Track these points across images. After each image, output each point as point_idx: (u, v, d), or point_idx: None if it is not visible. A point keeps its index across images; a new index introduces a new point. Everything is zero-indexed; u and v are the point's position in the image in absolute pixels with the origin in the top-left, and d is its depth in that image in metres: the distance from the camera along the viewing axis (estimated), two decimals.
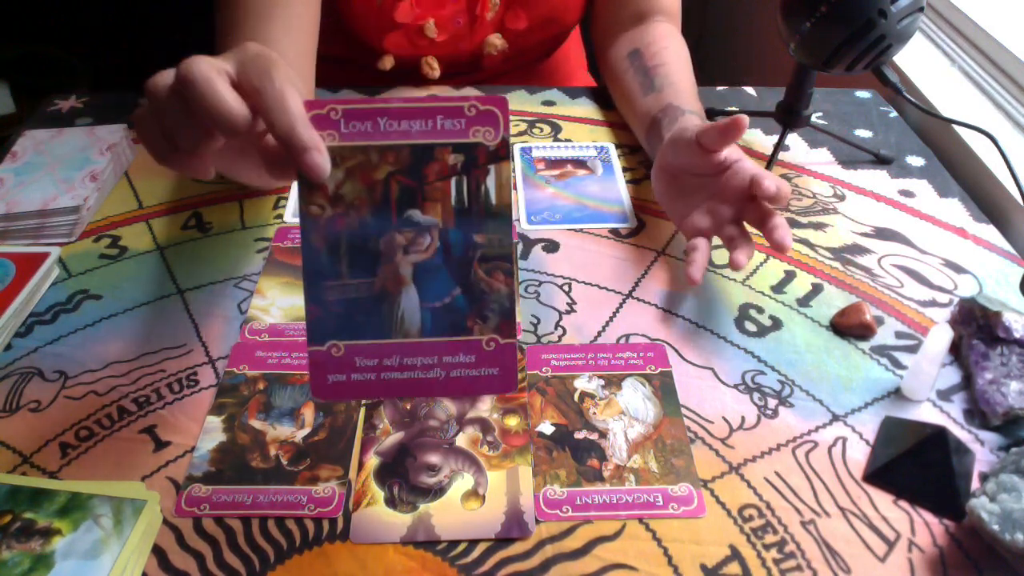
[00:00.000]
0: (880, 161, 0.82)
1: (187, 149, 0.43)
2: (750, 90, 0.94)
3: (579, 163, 0.81)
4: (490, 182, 0.43)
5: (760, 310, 0.64)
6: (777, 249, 0.57)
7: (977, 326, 0.59)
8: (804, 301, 0.65)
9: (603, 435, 0.54)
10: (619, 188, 0.77)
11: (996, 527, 0.45)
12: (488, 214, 0.43)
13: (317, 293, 0.43)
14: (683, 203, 0.65)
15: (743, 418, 0.55)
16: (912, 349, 0.61)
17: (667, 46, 0.81)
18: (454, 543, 0.48)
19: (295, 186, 0.76)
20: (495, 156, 0.43)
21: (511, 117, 0.84)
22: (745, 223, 0.61)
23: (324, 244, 0.43)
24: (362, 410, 0.55)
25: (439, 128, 0.43)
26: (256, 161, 0.46)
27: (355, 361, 0.44)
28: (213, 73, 0.41)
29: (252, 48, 0.43)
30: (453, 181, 0.43)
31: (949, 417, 0.56)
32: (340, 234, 0.43)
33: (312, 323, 0.43)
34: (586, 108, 0.90)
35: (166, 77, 0.42)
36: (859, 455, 0.53)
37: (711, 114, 0.89)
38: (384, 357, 0.44)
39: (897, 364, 0.60)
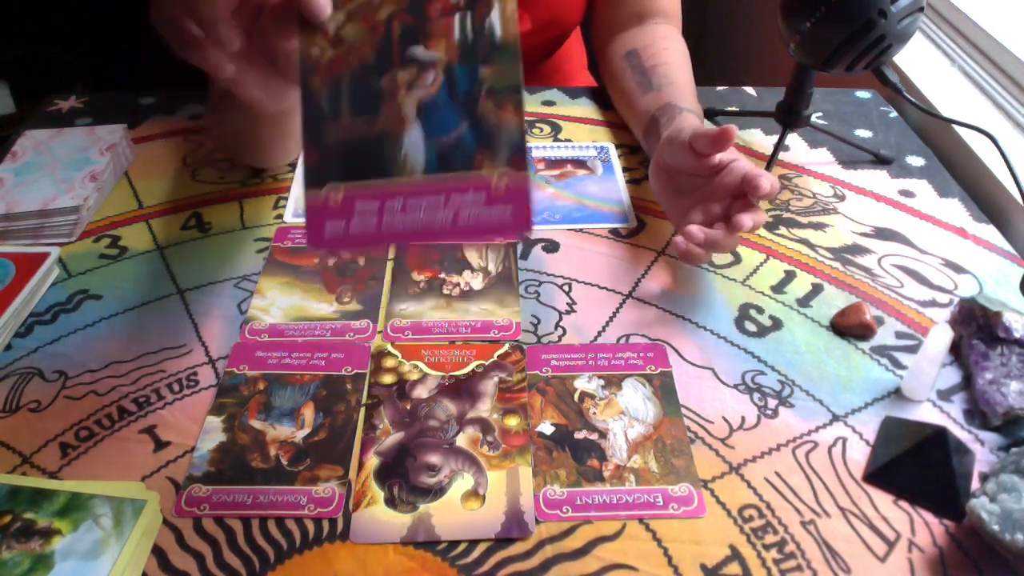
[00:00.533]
0: (880, 161, 0.82)
1: (209, 21, 0.42)
2: (750, 90, 0.94)
3: (579, 163, 0.81)
4: (495, 16, 0.42)
5: (760, 310, 0.64)
6: (734, 224, 0.58)
7: (977, 326, 0.59)
8: (804, 301, 0.65)
9: (603, 435, 0.54)
10: (619, 188, 0.77)
11: (996, 527, 0.45)
12: (494, 47, 0.42)
13: (315, 134, 0.41)
14: (680, 202, 0.65)
15: (743, 418, 0.55)
16: (912, 349, 0.61)
17: (666, 47, 0.81)
18: (454, 543, 0.48)
19: (295, 186, 0.77)
20: None
21: None
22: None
23: (324, 86, 0.41)
24: (362, 410, 0.55)
25: None
26: (263, 66, 0.46)
27: (355, 204, 0.41)
28: None
29: None
30: (456, 17, 0.42)
31: (949, 417, 0.56)
32: (340, 75, 0.41)
33: (309, 166, 0.41)
34: (586, 108, 0.90)
35: None
36: (859, 455, 0.53)
37: (711, 114, 0.89)
38: (386, 199, 0.41)
39: (897, 364, 0.60)
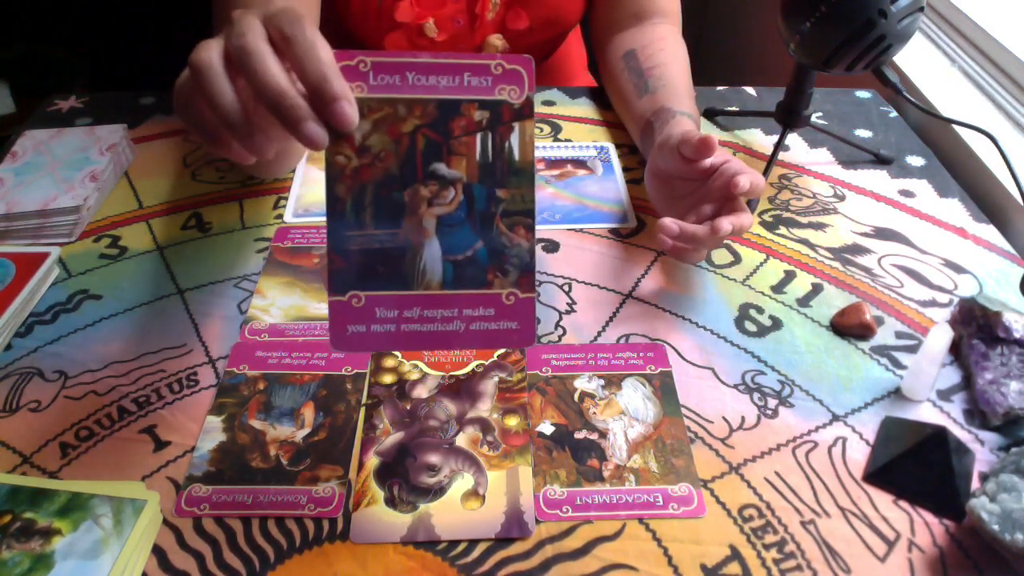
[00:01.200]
0: (880, 161, 0.82)
1: (239, 125, 0.42)
2: (750, 90, 0.94)
3: (579, 163, 0.81)
4: (514, 139, 0.44)
5: (760, 310, 0.64)
6: (714, 227, 0.58)
7: (977, 326, 0.59)
8: (804, 301, 0.65)
9: (603, 435, 0.54)
10: (619, 188, 0.77)
11: (996, 527, 0.45)
12: (511, 170, 0.44)
13: (340, 243, 0.43)
14: (675, 206, 0.65)
15: (743, 418, 0.55)
16: (912, 349, 0.61)
17: (664, 47, 0.81)
18: (454, 543, 0.48)
19: (294, 186, 0.77)
20: (520, 114, 0.44)
21: None
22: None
23: (349, 194, 0.43)
24: (362, 410, 0.55)
25: (466, 85, 0.43)
26: (278, 132, 0.46)
27: (375, 312, 0.44)
28: (264, 45, 0.41)
29: (278, 3, 0.43)
30: (478, 137, 0.44)
31: (949, 417, 0.56)
32: (365, 185, 0.43)
33: (333, 273, 0.43)
34: (586, 108, 0.90)
35: (213, 50, 0.42)
36: (859, 455, 0.53)
37: (711, 114, 0.89)
38: (405, 309, 0.44)
39: (897, 364, 0.60)
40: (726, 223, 0.58)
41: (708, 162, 0.61)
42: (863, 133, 0.87)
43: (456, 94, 0.43)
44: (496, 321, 0.45)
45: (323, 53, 0.41)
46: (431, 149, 0.43)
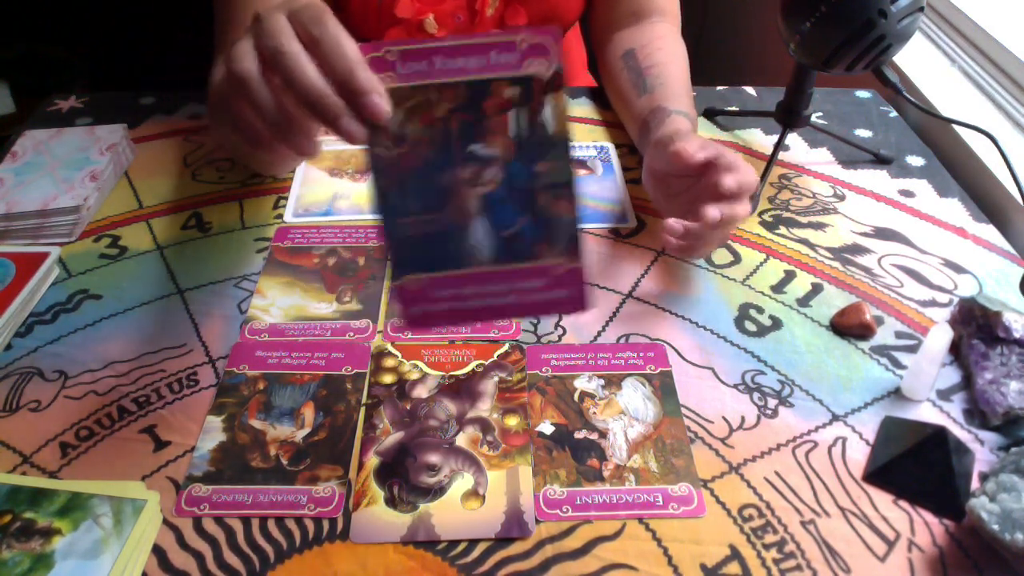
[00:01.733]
0: (880, 161, 0.82)
1: (283, 129, 0.43)
2: (750, 90, 0.94)
3: (579, 163, 0.81)
4: (547, 112, 0.44)
5: (760, 310, 0.64)
6: (700, 215, 0.58)
7: (977, 326, 0.59)
8: (804, 301, 0.65)
9: (603, 435, 0.54)
10: (619, 188, 0.77)
11: (996, 527, 0.45)
12: (547, 143, 0.44)
13: (393, 231, 0.44)
14: (674, 204, 0.65)
15: (743, 418, 0.55)
16: (912, 349, 0.61)
17: (662, 47, 0.81)
18: (454, 543, 0.48)
19: (294, 186, 0.77)
20: (550, 87, 0.44)
21: None
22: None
23: (393, 184, 0.44)
24: (362, 410, 0.55)
25: (493, 63, 0.43)
26: (306, 128, 0.46)
27: (434, 293, 0.45)
28: (297, 45, 0.42)
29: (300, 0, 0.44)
30: (511, 114, 0.44)
31: (949, 417, 0.56)
32: (406, 173, 0.44)
33: (392, 260, 0.45)
34: (586, 108, 0.90)
35: (250, 56, 0.43)
36: (859, 455, 0.53)
37: (711, 114, 0.89)
38: (460, 287, 0.46)
39: (897, 364, 0.60)
40: (713, 210, 0.58)
41: (701, 157, 0.61)
42: (863, 133, 0.87)
43: (485, 73, 0.43)
44: (548, 291, 0.46)
45: (348, 48, 0.41)
46: (466, 131, 0.44)
